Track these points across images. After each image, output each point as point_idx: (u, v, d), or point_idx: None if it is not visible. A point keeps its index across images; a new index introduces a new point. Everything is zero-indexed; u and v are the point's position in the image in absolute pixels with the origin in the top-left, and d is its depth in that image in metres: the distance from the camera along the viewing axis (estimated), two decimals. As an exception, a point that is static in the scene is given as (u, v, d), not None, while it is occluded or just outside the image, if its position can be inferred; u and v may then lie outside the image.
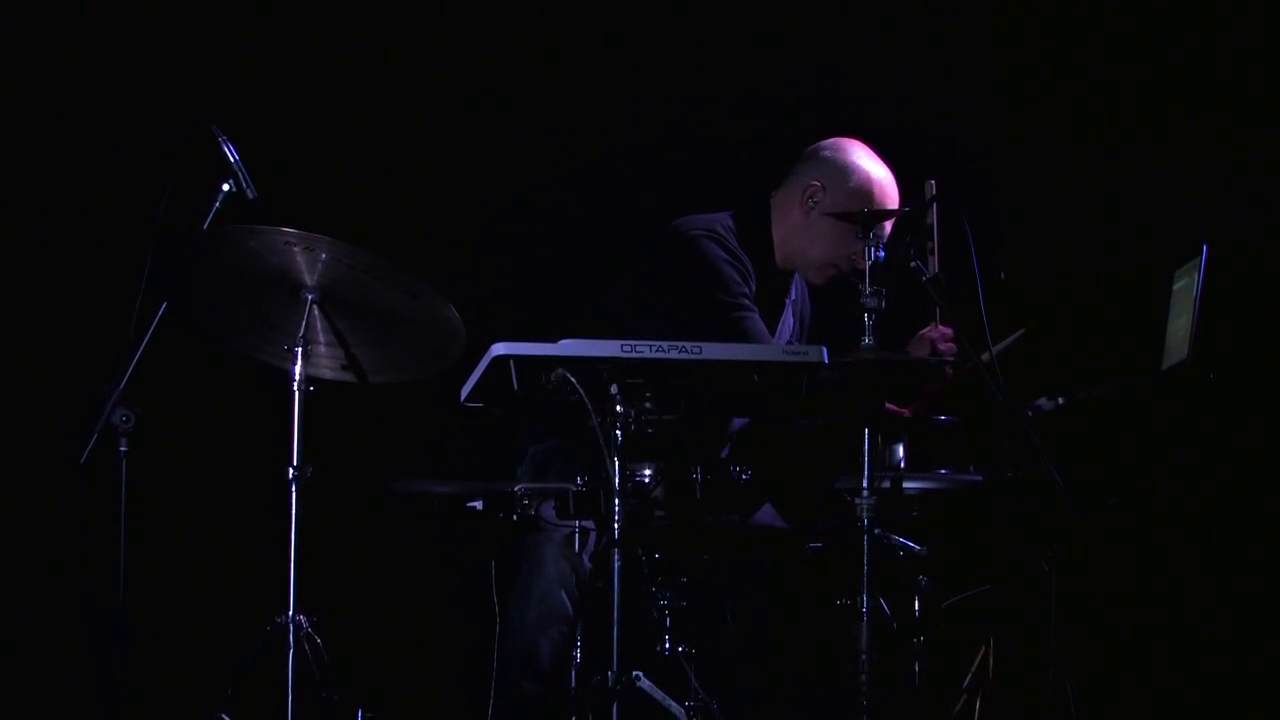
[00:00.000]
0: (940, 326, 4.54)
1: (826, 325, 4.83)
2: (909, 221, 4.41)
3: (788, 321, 4.93)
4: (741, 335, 4.58)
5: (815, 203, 4.81)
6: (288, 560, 4.04)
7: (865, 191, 4.78)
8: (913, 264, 4.27)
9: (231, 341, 4.33)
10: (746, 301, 4.65)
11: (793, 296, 4.96)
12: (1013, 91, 5.79)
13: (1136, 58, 5.70)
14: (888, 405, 4.62)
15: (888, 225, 4.73)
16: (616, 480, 3.85)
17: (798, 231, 4.83)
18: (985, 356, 4.18)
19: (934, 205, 4.46)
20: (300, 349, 4.10)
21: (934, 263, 4.43)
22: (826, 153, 4.87)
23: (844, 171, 4.81)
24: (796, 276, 4.94)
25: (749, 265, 4.70)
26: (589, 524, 4.32)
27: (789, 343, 4.91)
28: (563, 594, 4.41)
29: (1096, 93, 5.74)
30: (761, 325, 4.66)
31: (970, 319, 4.26)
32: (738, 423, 4.84)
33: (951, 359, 4.49)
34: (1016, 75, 5.79)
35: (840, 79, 5.71)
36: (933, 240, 4.45)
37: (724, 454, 4.86)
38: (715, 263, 4.66)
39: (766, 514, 4.65)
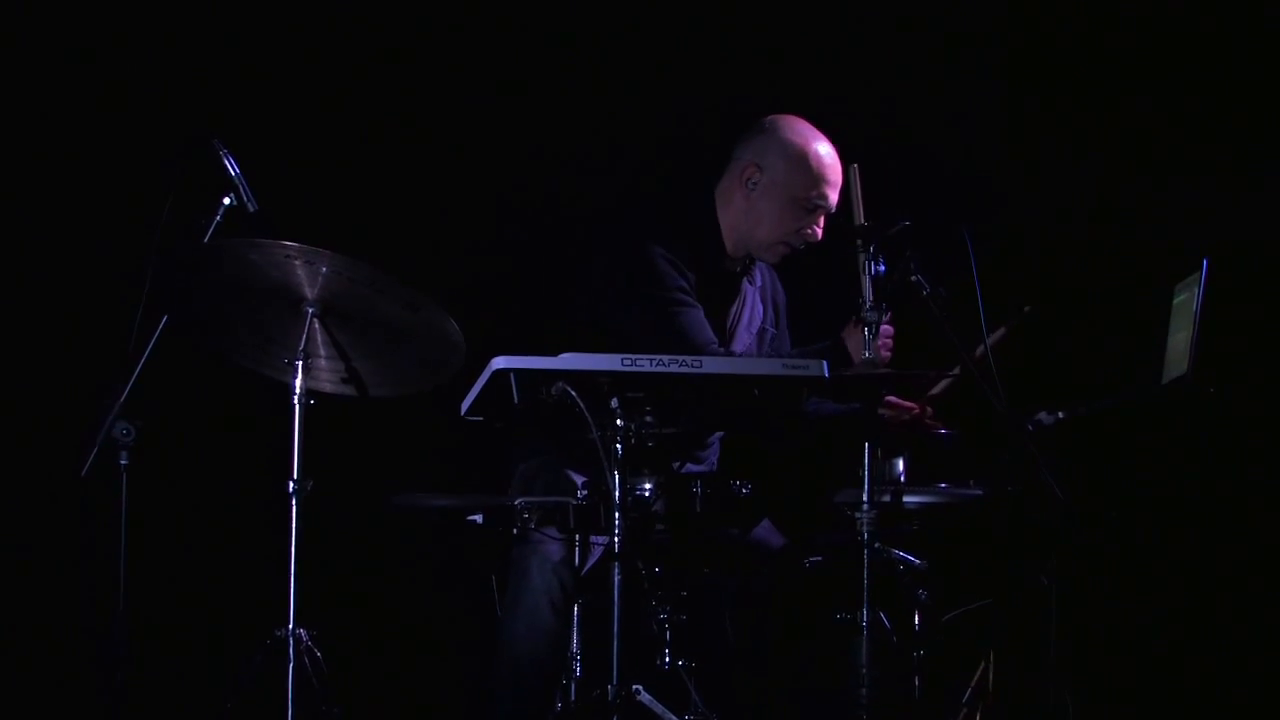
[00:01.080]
0: (885, 325, 4.48)
1: (826, 335, 4.83)
2: (909, 235, 4.40)
3: (756, 308, 4.93)
4: (678, 330, 4.57)
5: (754, 184, 4.79)
6: (288, 573, 4.04)
7: (802, 164, 4.75)
8: (913, 277, 4.27)
9: (232, 355, 4.33)
10: (684, 296, 4.64)
11: (759, 283, 4.96)
12: (1014, 102, 5.79)
13: (1139, 69, 5.70)
14: (893, 399, 4.60)
15: (833, 198, 4.73)
16: (617, 493, 3.86)
17: (741, 215, 4.81)
18: (980, 350, 4.20)
19: (857, 189, 4.43)
20: (301, 362, 4.10)
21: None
22: (763, 131, 4.84)
23: (779, 148, 4.79)
24: (764, 264, 4.94)
25: (687, 259, 4.68)
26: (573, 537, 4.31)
27: (761, 329, 4.91)
28: (549, 607, 4.40)
29: (1097, 105, 5.74)
30: (699, 320, 4.65)
31: (970, 331, 4.27)
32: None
33: (888, 354, 4.47)
34: (1018, 85, 5.79)
35: (840, 84, 5.71)
36: (858, 217, 4.40)
37: (713, 459, 4.86)
38: (651, 259, 4.65)
39: (766, 528, 4.66)
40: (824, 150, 4.76)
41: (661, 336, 4.51)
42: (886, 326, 4.44)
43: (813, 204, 4.74)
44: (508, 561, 4.49)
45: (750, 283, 4.92)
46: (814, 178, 4.73)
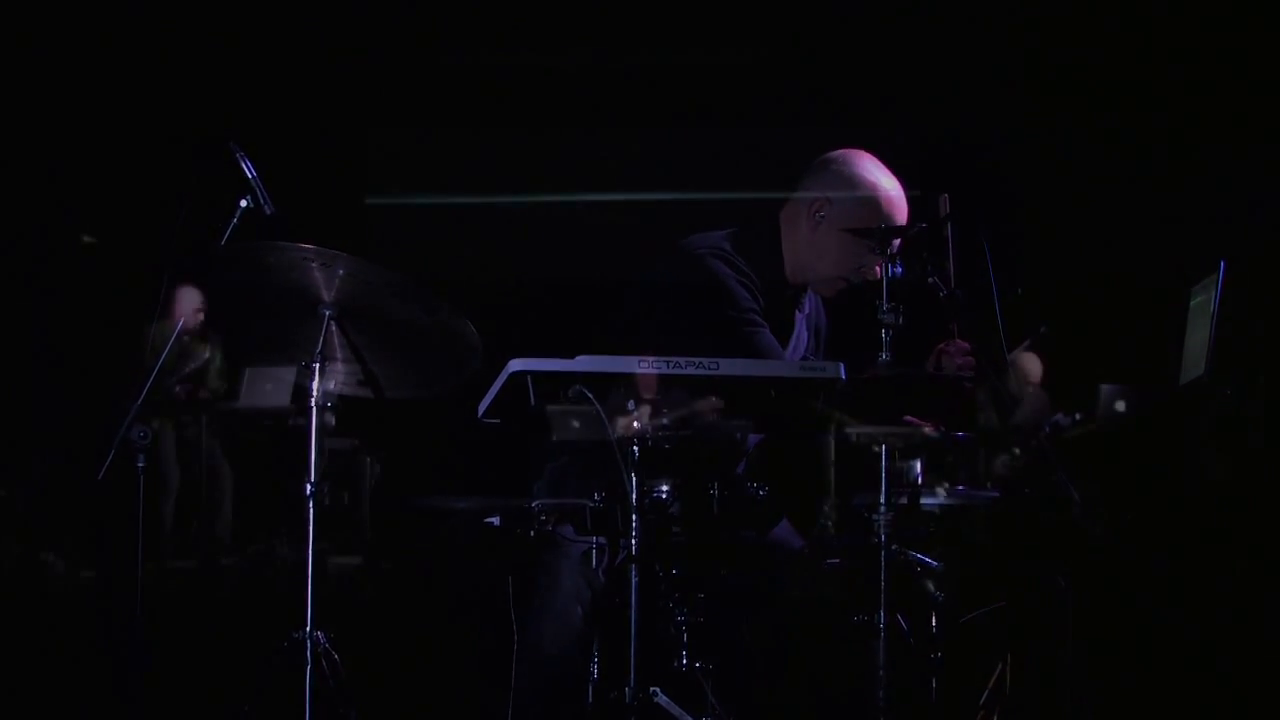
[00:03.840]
0: (958, 341, 4.53)
1: (843, 340, 4.83)
2: (925, 237, 4.40)
3: (801, 335, 4.93)
4: (753, 350, 4.58)
5: (822, 217, 4.79)
6: (305, 575, 4.04)
7: (872, 203, 4.75)
8: (930, 280, 4.27)
9: (249, 357, 4.33)
10: (756, 317, 4.65)
11: (806, 310, 4.96)
12: (1033, 106, 5.79)
13: (1158, 72, 5.70)
14: (908, 418, 4.61)
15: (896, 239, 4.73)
16: (634, 496, 3.86)
17: (806, 246, 4.81)
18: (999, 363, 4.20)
19: (949, 222, 4.45)
20: (317, 365, 4.11)
21: (950, 280, 4.42)
22: (832, 165, 4.83)
23: (850, 184, 4.78)
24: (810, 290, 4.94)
25: (756, 281, 4.69)
26: (603, 540, 4.31)
27: (804, 356, 4.91)
28: (578, 610, 4.40)
29: (1116, 109, 5.74)
30: (772, 340, 4.66)
31: (986, 333, 4.27)
32: (753, 439, 4.84)
33: (969, 374, 4.48)
34: (1038, 89, 5.79)
35: (858, 86, 5.70)
36: (948, 258, 4.44)
37: (739, 469, 4.86)
38: (724, 280, 4.66)
39: (784, 529, 4.65)
40: (894, 190, 4.77)
41: (736, 355, 4.50)
42: (961, 344, 4.45)
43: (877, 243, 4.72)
44: (524, 564, 4.49)
45: (799, 310, 4.92)
46: (882, 218, 4.72)
